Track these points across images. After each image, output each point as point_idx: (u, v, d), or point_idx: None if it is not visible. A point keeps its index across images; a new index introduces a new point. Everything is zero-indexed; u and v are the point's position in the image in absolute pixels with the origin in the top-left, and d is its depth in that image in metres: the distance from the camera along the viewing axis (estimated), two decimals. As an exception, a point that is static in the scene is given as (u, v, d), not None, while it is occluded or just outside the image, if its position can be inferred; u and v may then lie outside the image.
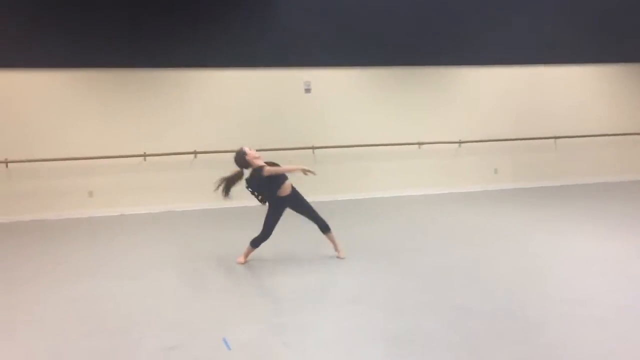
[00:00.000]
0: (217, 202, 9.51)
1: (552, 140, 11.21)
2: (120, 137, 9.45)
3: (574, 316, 4.12)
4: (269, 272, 5.60)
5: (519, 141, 11.05)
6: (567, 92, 11.35)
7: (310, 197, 9.95)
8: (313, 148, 10.09)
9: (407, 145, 10.52)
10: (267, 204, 5.90)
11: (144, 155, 9.46)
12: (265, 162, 5.83)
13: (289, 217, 6.20)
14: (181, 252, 6.56)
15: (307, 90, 10.07)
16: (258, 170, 5.68)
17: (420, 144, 10.53)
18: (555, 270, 5.37)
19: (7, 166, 9.03)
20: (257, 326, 4.11)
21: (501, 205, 9.09)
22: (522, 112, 11.08)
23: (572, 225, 7.41)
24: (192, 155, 9.67)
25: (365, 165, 10.40)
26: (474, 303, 4.46)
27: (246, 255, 5.99)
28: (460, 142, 10.76)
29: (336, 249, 6.06)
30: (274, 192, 5.77)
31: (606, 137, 11.46)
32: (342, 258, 5.98)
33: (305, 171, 5.74)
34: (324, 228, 5.97)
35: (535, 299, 4.53)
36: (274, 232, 5.89)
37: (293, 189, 5.93)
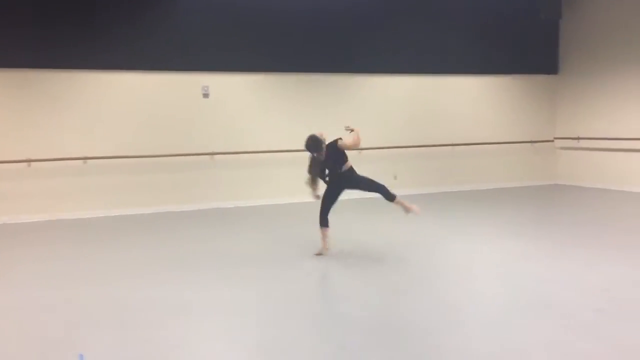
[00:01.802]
0: (108, 209, 9.20)
1: (450, 147, 11.58)
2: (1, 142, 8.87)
3: (456, 319, 4.20)
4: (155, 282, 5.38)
5: (418, 148, 11.32)
6: (465, 101, 11.77)
7: (209, 204, 9.86)
8: (212, 154, 9.89)
9: (293, 152, 10.50)
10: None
11: (28, 161, 8.91)
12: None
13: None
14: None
15: (205, 95, 9.86)
16: (334, 143, 5.94)
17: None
18: (441, 273, 5.48)
19: None
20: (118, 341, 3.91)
21: (397, 212, 9.24)
22: (421, 120, 11.37)
23: (465, 229, 7.64)
24: (81, 161, 9.21)
25: (266, 172, 10.31)
26: (354, 310, 4.45)
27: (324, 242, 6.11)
28: (360, 149, 10.86)
29: (406, 208, 6.09)
30: (339, 167, 5.98)
31: (501, 145, 11.95)
32: (417, 214, 6.12)
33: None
34: (390, 197, 6.08)
35: (418, 303, 4.59)
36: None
37: (339, 174, 6.06)
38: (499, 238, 7.08)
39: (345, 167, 6.07)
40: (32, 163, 8.93)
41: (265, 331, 4.07)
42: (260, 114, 10.27)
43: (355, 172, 6.20)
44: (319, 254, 6.23)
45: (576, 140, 11.99)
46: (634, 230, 7.36)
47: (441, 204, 9.93)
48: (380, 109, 11.07)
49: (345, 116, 10.74)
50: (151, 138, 9.57)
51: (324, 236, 6.21)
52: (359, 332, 4.00)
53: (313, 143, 6.00)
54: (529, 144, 12.24)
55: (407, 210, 6.16)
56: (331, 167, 6.06)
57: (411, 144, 11.23)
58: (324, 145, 5.97)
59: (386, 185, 6.23)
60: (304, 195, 10.45)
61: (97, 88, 9.35)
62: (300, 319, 4.29)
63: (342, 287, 5.18)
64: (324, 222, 6.19)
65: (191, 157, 9.79)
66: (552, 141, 12.47)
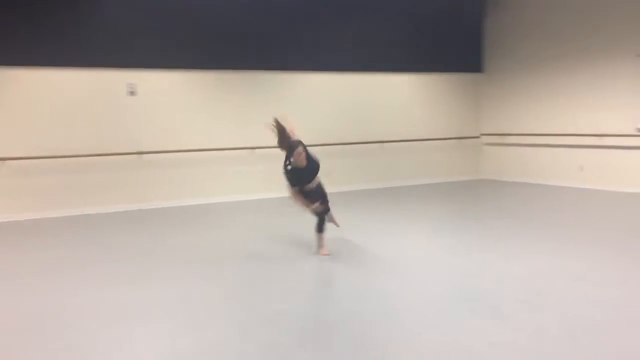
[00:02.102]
0: (29, 212, 8.77)
1: (380, 144, 11.72)
2: None
3: (384, 311, 4.22)
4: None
5: (349, 145, 11.40)
6: (394, 98, 11.94)
7: (136, 205, 9.57)
8: (140, 153, 9.60)
9: (239, 150, 10.39)
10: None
11: (-61, 163, 8.38)
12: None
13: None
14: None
15: (132, 93, 9.56)
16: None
17: (253, 148, 10.46)
18: (368, 268, 5.51)
19: None
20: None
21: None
22: (351, 117, 11.46)
23: (392, 225, 7.74)
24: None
25: (196, 171, 10.11)
26: (284, 307, 4.41)
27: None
28: (292, 147, 10.83)
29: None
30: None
31: (429, 142, 12.21)
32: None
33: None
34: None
35: (348, 298, 4.59)
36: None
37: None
38: (425, 233, 7.22)
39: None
40: (-57, 165, 8.40)
41: (187, 334, 3.96)
42: (189, 112, 10.05)
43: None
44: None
45: (501, 137, 12.42)
46: (555, 223, 7.66)
47: (371, 201, 10.05)
48: (311, 107, 11.07)
49: (276, 114, 10.69)
50: (74, 138, 9.19)
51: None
52: (289, 331, 3.96)
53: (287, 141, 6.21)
54: (456, 141, 12.58)
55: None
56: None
57: (342, 142, 11.29)
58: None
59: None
60: (234, 194, 10.41)
61: (17, 86, 8.89)
62: (227, 319, 4.21)
63: (270, 284, 5.12)
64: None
65: (118, 156, 9.47)
66: (479, 137, 12.86)
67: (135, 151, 9.57)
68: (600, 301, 4.40)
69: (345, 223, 7.34)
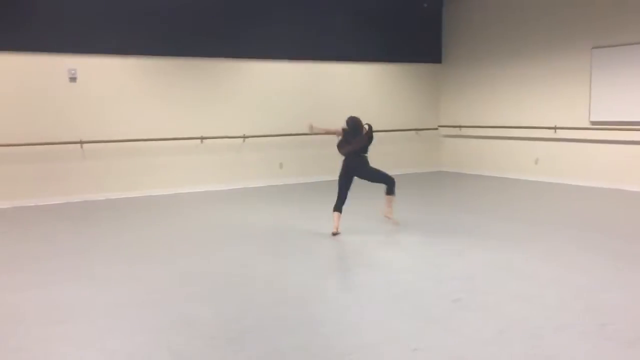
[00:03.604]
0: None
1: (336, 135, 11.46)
2: None
3: (311, 313, 3.99)
4: None
5: (304, 136, 11.10)
6: (351, 88, 11.68)
7: (79, 196, 9.16)
8: (81, 142, 9.18)
9: (188, 140, 10.03)
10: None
11: None
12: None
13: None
14: None
15: (72, 79, 9.12)
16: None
17: (202, 138, 10.12)
18: (304, 264, 5.28)
19: None
20: None
21: (276, 201, 9.05)
22: (307, 108, 11.15)
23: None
24: None
25: (143, 161, 9.72)
26: (201, 313, 4.15)
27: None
28: (244, 137, 10.54)
29: (390, 211, 6.60)
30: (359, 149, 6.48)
31: (387, 133, 11.98)
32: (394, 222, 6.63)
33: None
34: (391, 191, 6.57)
35: (274, 295, 4.36)
36: None
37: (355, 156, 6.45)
38: (371, 226, 6.99)
39: (362, 151, 6.47)
40: None
41: (91, 344, 3.68)
42: (135, 101, 9.63)
43: (368, 163, 6.54)
44: (335, 234, 6.40)
45: (458, 129, 12.30)
46: (506, 217, 7.54)
47: (322, 192, 9.80)
48: (264, 96, 10.75)
49: (228, 103, 10.39)
50: (10, 125, 8.72)
51: (336, 219, 6.46)
52: (200, 337, 3.71)
53: (353, 124, 6.49)
54: (415, 132, 12.41)
55: (388, 212, 6.62)
56: (358, 145, 6.43)
57: (296, 132, 11.00)
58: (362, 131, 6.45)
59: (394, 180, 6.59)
60: (182, 185, 10.04)
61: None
62: (140, 324, 3.94)
63: (191, 284, 4.85)
64: (335, 208, 6.48)
65: (57, 145, 9.03)
66: (437, 129, 12.72)
67: (76, 140, 9.14)
68: (537, 302, 4.24)
69: (292, 216, 7.11)
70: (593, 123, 9.77)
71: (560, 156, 10.34)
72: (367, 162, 6.53)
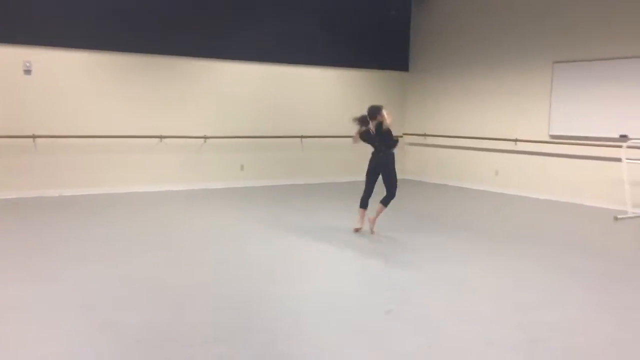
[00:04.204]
0: None
1: (300, 139, 11.40)
2: None
3: (250, 325, 3.89)
4: None
5: (266, 139, 11.02)
6: (317, 93, 11.63)
7: (32, 192, 8.93)
8: (34, 137, 8.94)
9: (147, 139, 9.85)
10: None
11: None
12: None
13: None
14: None
15: (27, 72, 8.89)
16: (380, 124, 6.58)
17: (162, 137, 9.95)
18: (238, 272, 5.17)
19: None
20: None
21: (235, 203, 8.93)
22: (270, 110, 11.07)
23: (290, 224, 7.42)
24: None
25: (99, 158, 9.52)
26: (131, 317, 4.02)
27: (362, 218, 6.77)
28: (205, 138, 10.39)
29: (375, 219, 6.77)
30: (384, 147, 6.68)
31: (348, 139, 11.92)
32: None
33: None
34: (386, 202, 6.75)
35: (185, 308, 4.24)
36: None
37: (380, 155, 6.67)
38: (317, 234, 6.89)
39: (389, 149, 6.62)
40: None
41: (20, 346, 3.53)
42: (93, 96, 9.42)
43: (393, 162, 6.71)
44: (357, 230, 6.76)
45: (423, 137, 12.32)
46: (459, 228, 7.52)
47: (281, 196, 9.72)
48: (228, 97, 10.62)
49: (190, 102, 10.24)
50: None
51: (361, 215, 6.75)
52: (126, 341, 3.59)
53: (371, 109, 6.65)
54: (379, 139, 12.37)
55: (372, 221, 6.80)
56: (377, 144, 6.68)
57: (259, 135, 10.90)
58: (379, 117, 6.53)
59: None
60: (140, 184, 9.85)
61: None
62: (68, 327, 3.80)
63: (128, 288, 4.72)
64: (362, 204, 6.79)
65: (9, 139, 8.78)
66: (402, 137, 12.70)
67: (29, 134, 8.91)
68: (473, 316, 4.20)
69: (245, 219, 6.98)
70: (552, 137, 9.85)
71: (520, 168, 10.41)
72: (393, 161, 6.74)
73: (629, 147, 8.28)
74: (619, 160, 8.37)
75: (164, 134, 9.94)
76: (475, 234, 7.05)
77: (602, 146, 9.06)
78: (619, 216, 8.25)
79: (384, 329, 3.89)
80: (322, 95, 11.68)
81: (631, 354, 3.67)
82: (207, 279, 5.00)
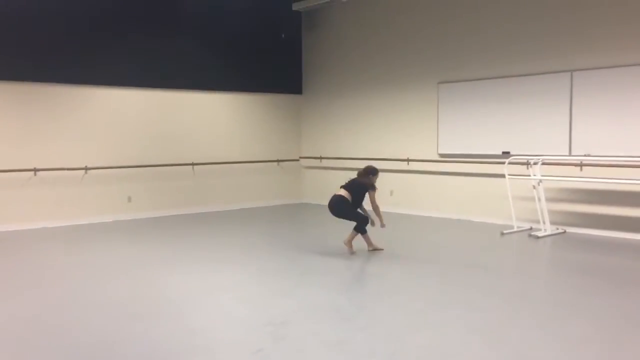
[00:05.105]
0: None
1: (191, 166, 10.96)
2: None
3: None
4: None
5: (155, 167, 10.51)
6: (210, 118, 11.27)
7: None
8: None
9: (19, 172, 9.09)
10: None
11: None
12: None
13: None
14: None
15: None
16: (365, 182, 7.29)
17: (36, 170, 9.22)
18: (126, 306, 4.70)
19: None
20: None
21: (122, 237, 8.36)
22: (157, 138, 10.57)
23: (194, 253, 6.99)
24: None
25: (-38, 196, 8.67)
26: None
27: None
28: (86, 169, 9.75)
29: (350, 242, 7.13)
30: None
31: (248, 164, 11.66)
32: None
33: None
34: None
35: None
36: None
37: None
38: (216, 264, 6.54)
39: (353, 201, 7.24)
40: None
41: None
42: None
43: (342, 204, 7.23)
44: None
45: (319, 160, 12.22)
46: (346, 252, 7.36)
47: (171, 228, 9.25)
48: (110, 125, 10.04)
49: (67, 131, 9.58)
50: None
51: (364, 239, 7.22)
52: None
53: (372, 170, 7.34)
54: (276, 163, 12.17)
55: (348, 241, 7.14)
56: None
57: (146, 163, 10.37)
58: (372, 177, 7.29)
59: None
60: (13, 222, 8.96)
61: None
62: None
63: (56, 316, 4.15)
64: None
65: None
66: (298, 160, 12.57)
67: None
68: (345, 347, 3.97)
69: (123, 255, 6.48)
70: (441, 155, 10.01)
71: (413, 188, 10.50)
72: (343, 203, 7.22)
73: (510, 163, 8.49)
74: (503, 176, 8.57)
75: (38, 166, 9.21)
76: (364, 258, 6.91)
77: (487, 163, 9.28)
78: (504, 231, 8.42)
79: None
80: (213, 121, 11.33)
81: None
82: (81, 318, 4.49)
